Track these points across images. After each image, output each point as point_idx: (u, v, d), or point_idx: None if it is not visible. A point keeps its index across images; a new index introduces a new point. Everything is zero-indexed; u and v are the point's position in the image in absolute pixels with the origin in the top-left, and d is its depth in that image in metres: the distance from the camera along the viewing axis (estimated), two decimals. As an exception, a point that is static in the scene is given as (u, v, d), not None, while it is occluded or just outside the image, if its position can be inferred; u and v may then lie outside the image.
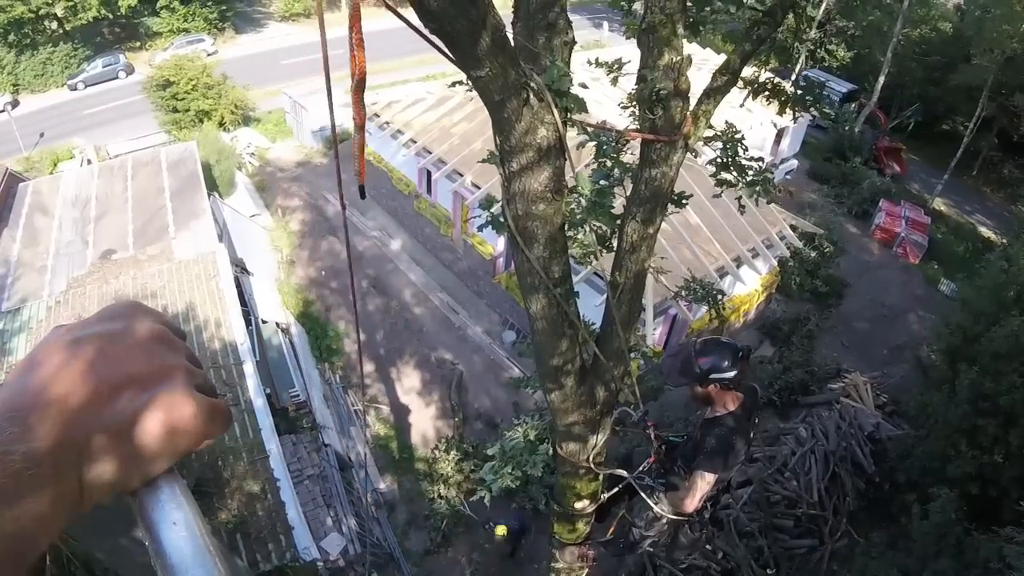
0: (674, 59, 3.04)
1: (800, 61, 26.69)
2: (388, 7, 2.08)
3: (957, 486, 10.46)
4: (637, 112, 3.40)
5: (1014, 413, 10.45)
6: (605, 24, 36.98)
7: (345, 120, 23.48)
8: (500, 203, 3.12)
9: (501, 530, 11.44)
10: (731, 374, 3.81)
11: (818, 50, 29.88)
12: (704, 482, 3.99)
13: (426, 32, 2.23)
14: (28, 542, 0.48)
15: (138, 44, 33.61)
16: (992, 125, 25.61)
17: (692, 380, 3.91)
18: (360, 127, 2.28)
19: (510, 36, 2.44)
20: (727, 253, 14.74)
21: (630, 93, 3.54)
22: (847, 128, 26.00)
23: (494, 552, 12.51)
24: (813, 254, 18.96)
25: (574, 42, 2.92)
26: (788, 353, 16.04)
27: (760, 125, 19.30)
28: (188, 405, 0.58)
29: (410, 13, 2.30)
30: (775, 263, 16.56)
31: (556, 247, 3.14)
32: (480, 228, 3.24)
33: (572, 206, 3.40)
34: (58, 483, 0.50)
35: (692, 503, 4.04)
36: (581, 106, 2.67)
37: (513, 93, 2.44)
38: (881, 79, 26.33)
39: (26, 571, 0.48)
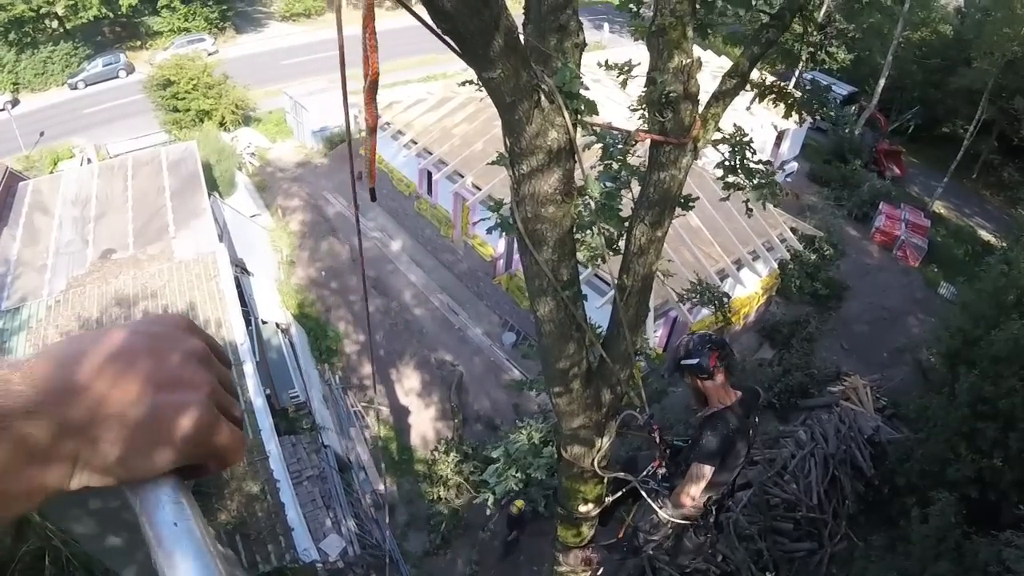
0: (684, 62, 3.04)
1: (801, 64, 26.72)
2: (403, 5, 2.07)
3: (956, 489, 10.46)
4: (646, 115, 3.39)
5: (1014, 417, 10.46)
6: (606, 25, 37.03)
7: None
8: (508, 205, 3.11)
9: (520, 503, 11.50)
10: (693, 361, 4.02)
11: (819, 52, 29.91)
12: (700, 474, 4.00)
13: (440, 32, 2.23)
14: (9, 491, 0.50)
15: (139, 43, 33.60)
16: (992, 128, 25.66)
17: (674, 368, 4.20)
18: (372, 130, 2.26)
19: (521, 38, 2.43)
20: (727, 255, 14.76)
21: (640, 96, 3.53)
22: (847, 131, 26.04)
23: (493, 550, 12.51)
24: (813, 257, 18.98)
25: (585, 44, 2.91)
26: (788, 355, 16.06)
27: (761, 128, 19.31)
28: (201, 418, 0.59)
29: (420, 13, 2.29)
30: (775, 265, 16.57)
31: (565, 250, 3.13)
32: (489, 231, 3.23)
33: (580, 208, 3.39)
34: (47, 453, 0.51)
35: (687, 497, 4.05)
36: (592, 108, 2.66)
37: (524, 95, 2.42)
38: (881, 82, 26.37)
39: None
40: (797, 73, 26.04)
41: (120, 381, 0.56)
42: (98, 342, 0.59)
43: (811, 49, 25.94)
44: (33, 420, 0.51)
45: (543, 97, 2.49)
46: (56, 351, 0.57)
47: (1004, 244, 19.18)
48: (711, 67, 19.38)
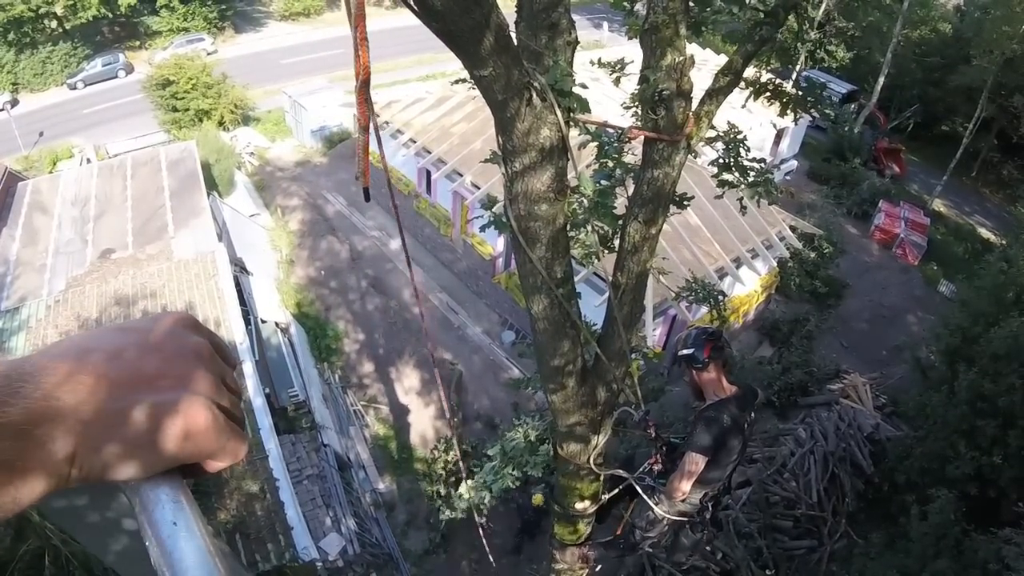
0: (677, 59, 3.04)
1: (800, 62, 26.72)
2: (404, 2, 2.07)
3: (956, 487, 10.45)
4: (640, 112, 3.40)
5: (1013, 414, 10.45)
6: (605, 24, 37.03)
7: (346, 120, 23.51)
8: (502, 203, 3.12)
9: (538, 499, 11.47)
10: (689, 351, 4.12)
11: (818, 51, 29.91)
12: (692, 463, 4.03)
13: None
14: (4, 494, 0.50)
15: (138, 43, 33.59)
16: (991, 126, 25.62)
17: (672, 361, 4.31)
18: (364, 128, 2.27)
19: (513, 36, 2.44)
20: (727, 254, 14.75)
21: (633, 93, 3.53)
22: (847, 129, 26.01)
23: (493, 548, 12.50)
24: (812, 255, 18.96)
25: (577, 42, 2.92)
26: (787, 354, 16.04)
27: (760, 126, 19.31)
28: (199, 415, 0.58)
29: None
30: (774, 264, 16.56)
31: (558, 248, 3.13)
32: (483, 228, 3.25)
33: (574, 206, 3.40)
34: (46, 449, 0.51)
35: (680, 485, 4.09)
36: (584, 106, 2.67)
37: (516, 93, 2.43)
38: (881, 80, 26.34)
39: None
40: (796, 71, 26.06)
41: (100, 375, 0.55)
42: (89, 338, 0.58)
43: (809, 47, 25.93)
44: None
45: (534, 95, 2.50)
46: (53, 346, 0.57)
47: (1003, 242, 19.17)
48: (710, 65, 19.38)
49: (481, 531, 7.47)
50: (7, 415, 0.50)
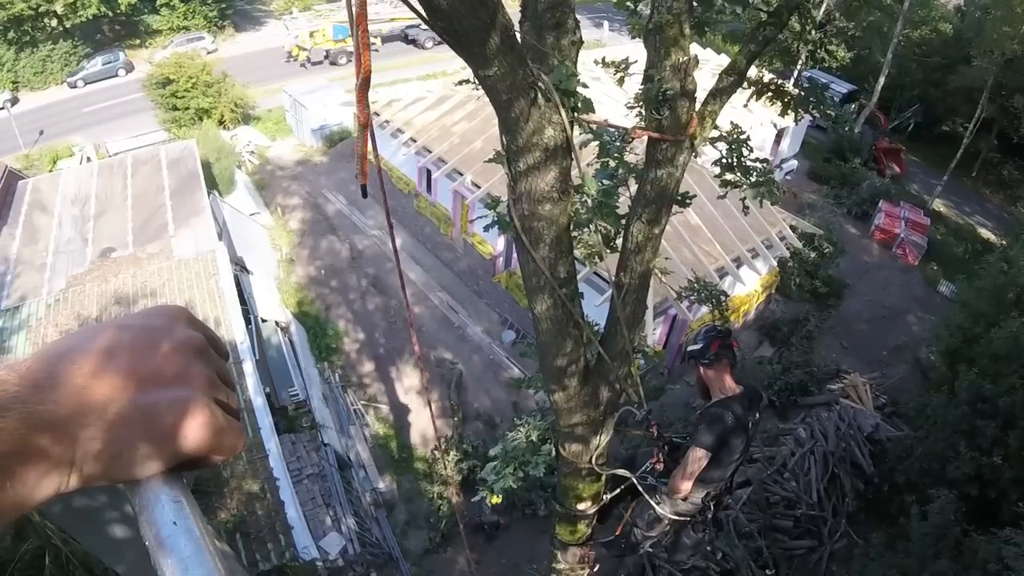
0: (681, 59, 3.04)
1: (801, 62, 26.71)
2: (405, 2, 2.07)
3: (956, 487, 10.47)
4: (643, 112, 3.39)
5: (1013, 415, 10.48)
6: (605, 23, 37.04)
7: (346, 119, 23.50)
8: (505, 203, 3.12)
9: (496, 499, 11.36)
10: (697, 346, 4.22)
11: (818, 51, 29.90)
12: (694, 460, 4.04)
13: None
14: (6, 500, 0.49)
15: (138, 42, 33.58)
16: (992, 126, 25.63)
17: (683, 357, 4.32)
18: (364, 126, 2.26)
19: (518, 35, 2.43)
20: (727, 253, 14.75)
21: (637, 93, 3.53)
22: (847, 129, 26.02)
23: (493, 548, 12.52)
24: (813, 255, 18.96)
25: (582, 42, 2.91)
26: (787, 354, 16.05)
27: (760, 125, 19.31)
28: (200, 413, 0.59)
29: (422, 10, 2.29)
30: (775, 263, 16.56)
31: (562, 248, 3.13)
32: (486, 228, 3.24)
33: (577, 206, 3.40)
34: (49, 452, 0.51)
35: (681, 483, 4.10)
36: (588, 106, 2.66)
37: (521, 93, 2.42)
38: (881, 80, 26.35)
39: None
40: (797, 71, 26.05)
41: (99, 376, 0.55)
42: (84, 337, 0.58)
43: (810, 47, 25.93)
44: (2, 416, 0.49)
45: (540, 95, 2.49)
46: (45, 348, 0.57)
47: (1004, 242, 19.20)
48: (711, 65, 19.37)
49: (463, 531, 7.48)
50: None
